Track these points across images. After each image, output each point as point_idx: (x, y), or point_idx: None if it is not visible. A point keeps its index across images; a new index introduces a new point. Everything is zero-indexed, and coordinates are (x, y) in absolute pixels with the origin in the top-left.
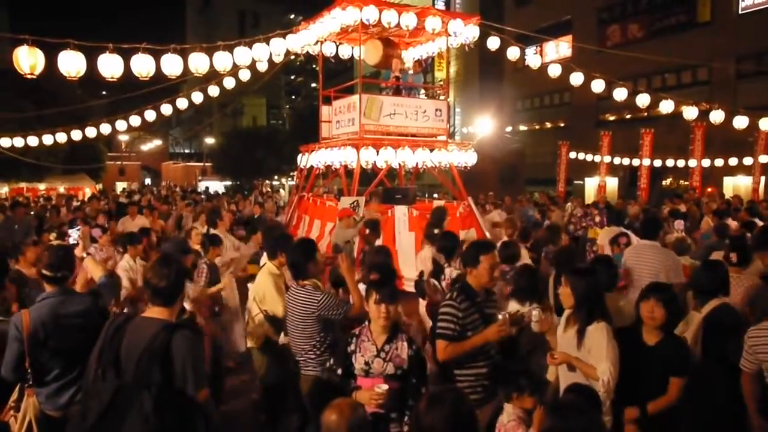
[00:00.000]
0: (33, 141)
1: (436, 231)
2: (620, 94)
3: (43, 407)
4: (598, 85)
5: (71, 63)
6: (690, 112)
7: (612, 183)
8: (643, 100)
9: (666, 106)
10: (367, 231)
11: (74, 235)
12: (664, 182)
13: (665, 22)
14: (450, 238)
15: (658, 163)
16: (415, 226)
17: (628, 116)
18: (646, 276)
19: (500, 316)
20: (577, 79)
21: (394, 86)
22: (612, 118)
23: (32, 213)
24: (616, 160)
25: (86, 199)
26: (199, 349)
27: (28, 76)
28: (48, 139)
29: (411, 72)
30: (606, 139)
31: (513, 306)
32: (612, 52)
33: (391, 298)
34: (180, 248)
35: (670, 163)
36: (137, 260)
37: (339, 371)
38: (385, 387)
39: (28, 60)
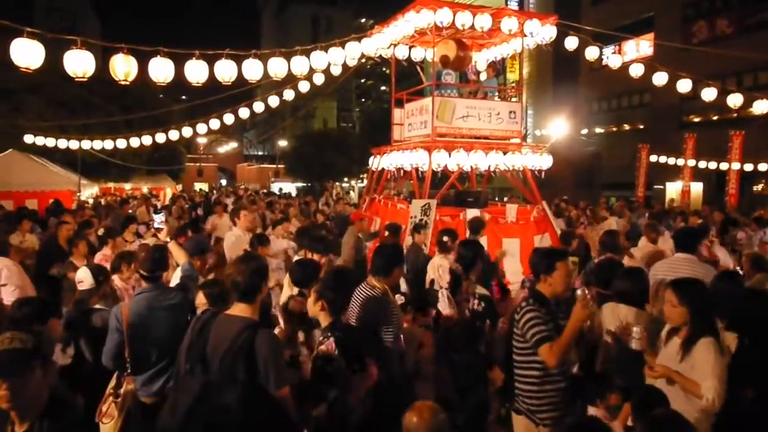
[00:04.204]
0: (121, 143)
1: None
2: (709, 94)
3: (138, 393)
4: (683, 85)
5: (161, 69)
6: None
7: (696, 188)
8: (735, 100)
9: (760, 107)
10: (386, 233)
11: (158, 220)
12: (755, 188)
13: (758, 17)
14: (471, 248)
15: (748, 167)
16: (487, 229)
17: (715, 117)
18: None
19: (579, 292)
20: (660, 78)
21: (468, 87)
22: (697, 119)
23: (130, 210)
24: (702, 164)
25: (169, 199)
26: (281, 348)
27: (122, 82)
28: (135, 142)
29: (485, 78)
30: (690, 141)
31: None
32: (698, 49)
33: None
34: (198, 246)
35: (762, 167)
36: None
37: None
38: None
39: (123, 67)
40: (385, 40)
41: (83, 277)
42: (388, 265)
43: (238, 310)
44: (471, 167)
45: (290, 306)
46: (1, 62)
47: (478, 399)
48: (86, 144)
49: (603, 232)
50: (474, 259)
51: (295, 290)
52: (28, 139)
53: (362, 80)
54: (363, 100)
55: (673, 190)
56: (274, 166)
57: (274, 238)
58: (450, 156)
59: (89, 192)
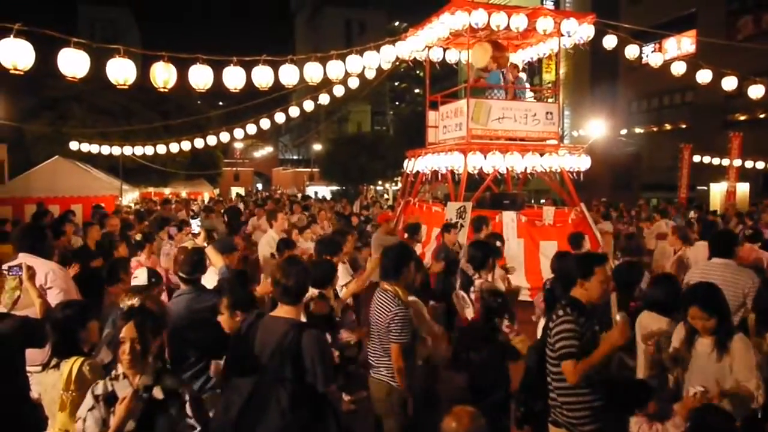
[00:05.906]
0: (161, 149)
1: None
2: (755, 91)
3: None
4: (728, 83)
5: (200, 76)
6: None
7: (742, 188)
8: None
9: None
10: (406, 235)
11: (195, 225)
12: None
13: None
14: (482, 248)
15: None
16: (523, 232)
17: (762, 115)
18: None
19: (618, 317)
20: (704, 76)
21: (504, 89)
22: (743, 117)
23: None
24: (748, 164)
25: (207, 203)
26: (327, 347)
27: (162, 90)
28: (174, 147)
29: (511, 78)
30: (736, 140)
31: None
32: (744, 45)
33: None
34: (228, 246)
35: None
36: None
37: None
38: None
39: (163, 75)
40: (420, 43)
41: (139, 274)
42: (396, 266)
43: (283, 311)
44: (507, 169)
45: (312, 309)
46: (47, 72)
47: (497, 398)
48: (127, 150)
49: (623, 236)
50: (485, 259)
51: (315, 292)
52: (73, 145)
53: (396, 83)
54: (397, 103)
55: (716, 190)
56: (309, 170)
57: (302, 241)
58: (485, 158)
59: (130, 197)
